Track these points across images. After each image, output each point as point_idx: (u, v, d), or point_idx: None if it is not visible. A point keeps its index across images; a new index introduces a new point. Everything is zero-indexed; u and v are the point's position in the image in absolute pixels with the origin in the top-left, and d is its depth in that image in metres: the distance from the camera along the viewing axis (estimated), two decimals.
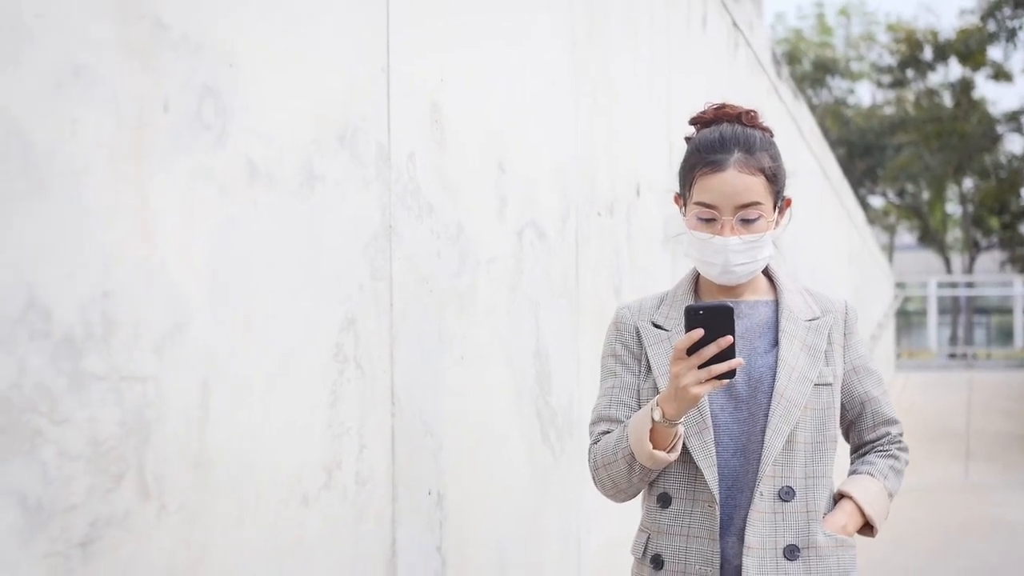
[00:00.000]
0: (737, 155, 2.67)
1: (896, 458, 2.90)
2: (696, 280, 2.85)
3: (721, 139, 2.71)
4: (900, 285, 31.79)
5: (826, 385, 2.75)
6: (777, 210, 2.76)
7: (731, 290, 2.78)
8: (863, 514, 2.78)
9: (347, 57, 2.51)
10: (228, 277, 2.08)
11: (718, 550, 2.64)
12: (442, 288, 2.92)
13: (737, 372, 2.56)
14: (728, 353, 2.45)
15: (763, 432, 2.67)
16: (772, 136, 2.81)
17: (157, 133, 1.91)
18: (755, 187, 2.66)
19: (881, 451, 2.90)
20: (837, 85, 45.11)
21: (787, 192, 2.82)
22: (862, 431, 2.91)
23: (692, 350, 2.45)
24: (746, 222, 2.67)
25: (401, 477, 2.71)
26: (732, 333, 2.45)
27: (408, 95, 2.76)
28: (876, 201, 46.02)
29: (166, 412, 1.92)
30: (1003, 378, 24.05)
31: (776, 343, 2.75)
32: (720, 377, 2.46)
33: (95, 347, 1.77)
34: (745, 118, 2.77)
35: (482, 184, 3.18)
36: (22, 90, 1.64)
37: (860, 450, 2.94)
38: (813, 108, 40.08)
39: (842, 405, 2.86)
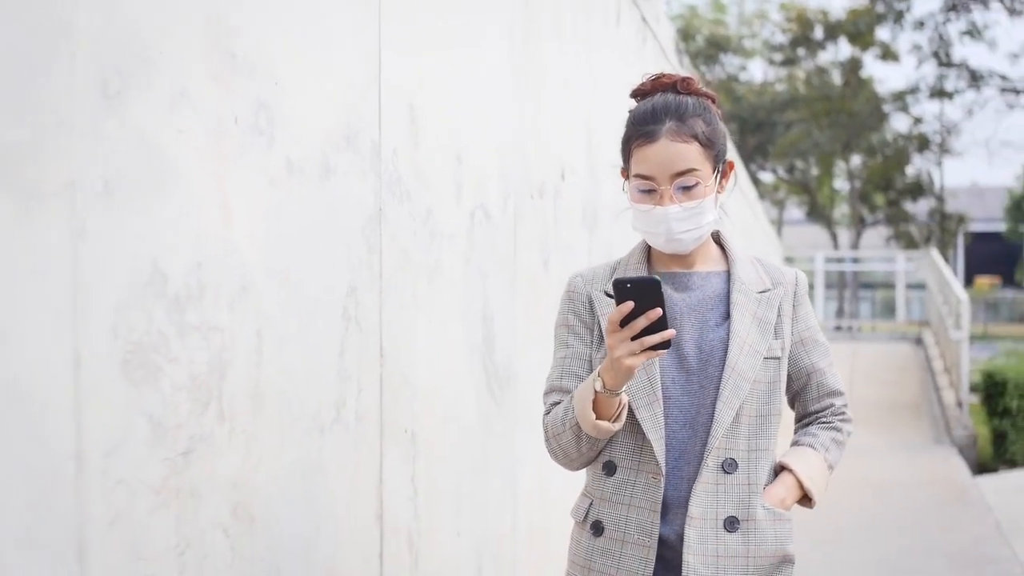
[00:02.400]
0: (669, 124, 2.69)
1: (839, 430, 2.94)
2: (648, 248, 2.89)
3: (652, 110, 2.74)
4: (789, 259, 32.48)
5: (774, 359, 2.80)
6: (718, 174, 2.79)
7: (683, 259, 2.83)
8: (802, 487, 2.84)
9: (351, 71, 3.07)
10: (275, 250, 2.65)
11: (657, 522, 2.71)
12: (416, 262, 3.49)
13: (689, 344, 2.71)
14: (661, 324, 2.49)
15: (713, 405, 2.72)
16: (712, 101, 2.84)
17: (231, 140, 2.47)
18: (689, 154, 2.69)
19: (824, 423, 2.95)
20: (730, 62, 45.53)
21: (729, 156, 2.86)
22: (807, 402, 2.96)
23: (626, 322, 2.50)
24: (685, 189, 2.69)
25: (386, 417, 3.28)
26: (662, 306, 2.48)
27: (393, 99, 3.32)
28: (766, 176, 46.65)
29: (235, 356, 2.49)
30: (885, 349, 24.89)
31: (728, 316, 2.78)
32: (655, 348, 2.52)
33: (193, 305, 2.33)
34: (680, 86, 2.80)
35: (445, 173, 3.75)
36: (149, 109, 2.20)
37: (804, 420, 3.00)
38: (707, 84, 40.68)
39: (789, 375, 2.90)
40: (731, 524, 2.72)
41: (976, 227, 53.44)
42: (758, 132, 42.63)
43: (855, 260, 42.05)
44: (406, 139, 3.42)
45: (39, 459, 1.91)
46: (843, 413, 2.97)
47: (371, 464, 3.19)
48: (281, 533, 2.69)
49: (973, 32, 38.65)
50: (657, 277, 2.54)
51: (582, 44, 5.64)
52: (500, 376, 4.29)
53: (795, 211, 52.79)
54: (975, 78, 39.69)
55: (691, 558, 2.70)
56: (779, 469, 2.87)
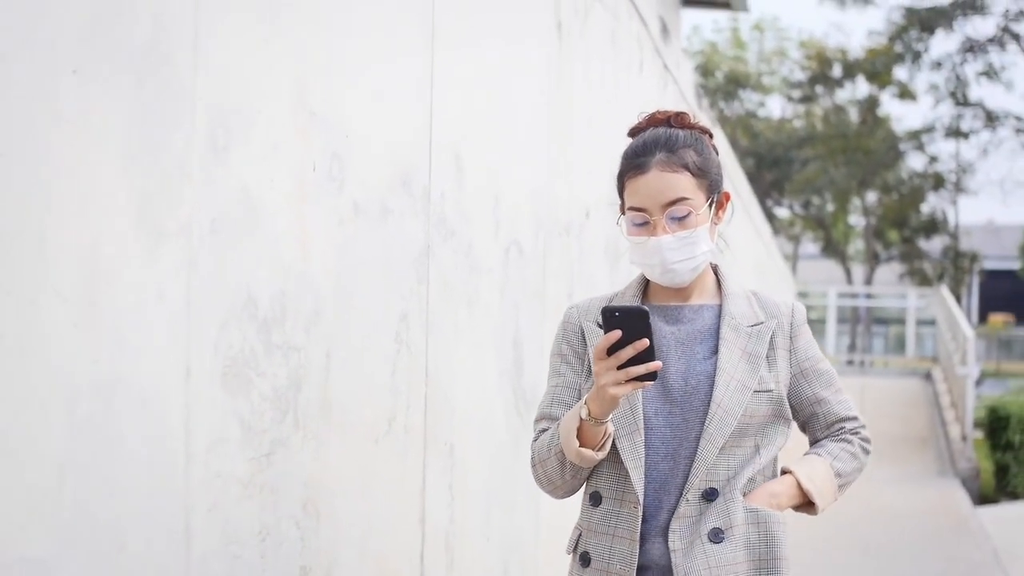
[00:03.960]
0: (659, 155, 2.70)
1: (850, 443, 2.89)
2: (646, 281, 2.87)
3: (643, 143, 2.75)
4: (803, 294, 32.76)
5: (766, 391, 2.75)
6: (712, 204, 2.77)
7: (679, 292, 2.81)
8: (801, 487, 2.80)
9: (407, 125, 3.47)
10: (342, 280, 3.04)
11: (636, 551, 2.68)
12: (458, 292, 3.88)
13: (675, 377, 2.71)
14: (648, 355, 2.48)
15: (697, 439, 2.70)
16: (707, 134, 2.85)
17: (310, 185, 2.87)
18: (678, 183, 2.68)
19: (835, 437, 2.90)
20: (748, 98, 45.65)
21: (726, 187, 2.86)
22: (815, 431, 2.93)
23: (613, 350, 2.50)
24: (677, 219, 2.68)
25: (429, 431, 3.67)
26: (649, 336, 2.48)
27: (442, 149, 3.72)
28: (782, 212, 46.98)
29: (309, 372, 2.89)
30: (894, 384, 25.15)
31: (717, 349, 2.76)
32: (641, 379, 2.51)
33: (277, 327, 2.73)
34: (674, 120, 2.81)
35: (484, 213, 4.15)
36: (248, 160, 2.60)
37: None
38: (725, 120, 41.07)
39: (793, 407, 2.85)
40: (715, 535, 2.69)
41: (991, 265, 53.64)
42: (775, 168, 42.76)
43: (868, 296, 42.27)
44: (452, 183, 3.81)
45: (157, 453, 2.31)
46: (858, 432, 2.91)
47: (415, 472, 3.57)
48: (340, 528, 3.08)
49: (990, 73, 38.99)
50: (645, 308, 2.51)
51: (610, 91, 6.05)
52: (527, 398, 4.67)
53: (810, 246, 53.01)
54: (991, 118, 40.02)
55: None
56: (781, 474, 2.84)
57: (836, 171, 41.03)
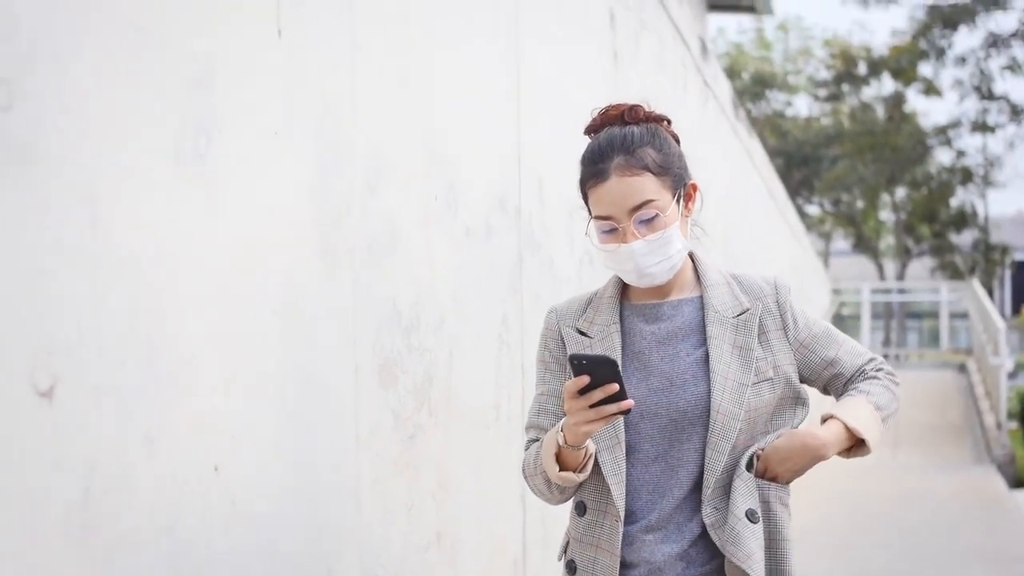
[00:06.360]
0: (617, 160, 2.60)
1: (877, 378, 2.78)
2: (623, 282, 2.77)
3: (599, 148, 2.66)
4: (836, 291, 33.14)
5: (766, 380, 2.66)
6: (680, 199, 2.66)
7: (658, 288, 2.70)
8: (848, 430, 2.66)
9: (502, 157, 4.03)
10: (458, 291, 3.60)
11: (617, 566, 2.62)
12: (543, 298, 4.43)
13: (659, 376, 2.63)
14: (620, 395, 2.40)
15: (691, 439, 2.63)
16: (665, 123, 2.76)
17: (433, 213, 3.43)
18: (642, 186, 2.58)
19: (860, 380, 2.79)
20: (775, 98, 45.75)
21: (694, 178, 2.76)
22: (838, 389, 2.81)
23: (585, 389, 2.41)
24: (645, 222, 2.58)
25: (523, 420, 4.22)
26: (619, 381, 2.40)
27: (529, 174, 4.28)
28: (812, 209, 47.16)
29: (437, 369, 3.44)
30: (928, 376, 25.56)
31: (702, 343, 2.67)
32: (613, 415, 2.44)
33: (414, 331, 3.28)
34: (628, 115, 2.71)
35: (561, 228, 4.70)
36: (392, 194, 3.15)
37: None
38: (753, 120, 41.45)
39: (808, 378, 2.77)
40: (752, 515, 2.61)
41: (1022, 256, 53.80)
42: (804, 166, 42.98)
43: (901, 291, 42.54)
44: (537, 203, 4.37)
45: (335, 435, 2.87)
46: (880, 369, 2.81)
47: (516, 456, 4.12)
48: (462, 501, 3.63)
49: (1014, 67, 39.33)
50: (612, 358, 2.42)
51: (660, 110, 6.59)
52: None
53: (841, 243, 53.19)
54: (1016, 112, 40.39)
55: (730, 547, 2.60)
56: (822, 423, 2.72)
57: (865, 168, 41.30)
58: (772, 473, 2.65)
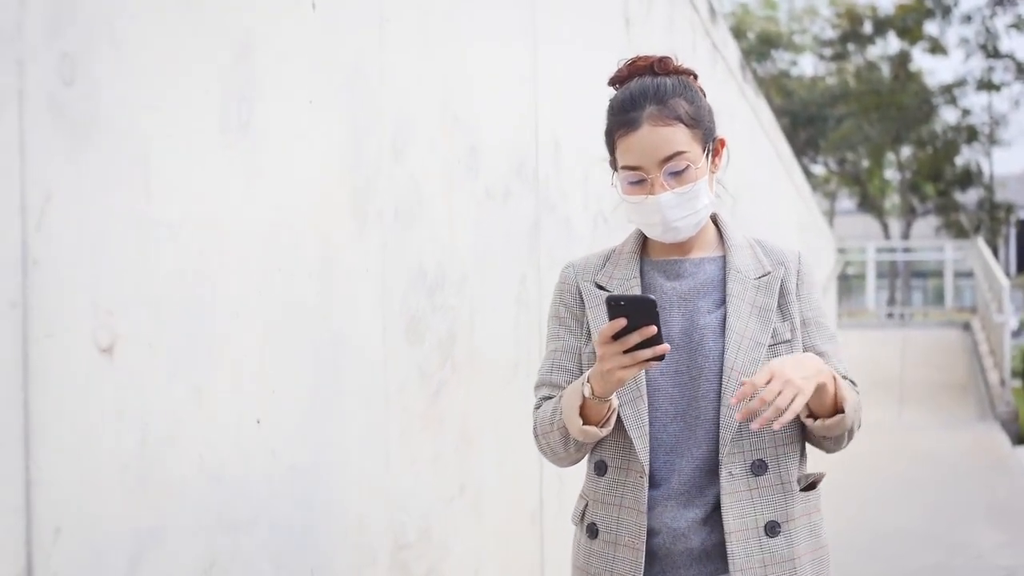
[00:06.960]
0: (650, 109, 2.54)
1: (855, 392, 2.62)
2: (643, 236, 2.74)
3: (631, 97, 2.61)
4: (841, 251, 33.20)
5: (784, 343, 2.61)
6: (709, 153, 2.61)
7: (679, 245, 2.65)
8: (836, 393, 2.51)
9: (520, 122, 4.15)
10: (480, 252, 3.72)
11: (644, 523, 2.57)
12: (559, 258, 4.55)
13: (679, 334, 2.58)
14: (656, 339, 2.33)
15: (707, 397, 2.57)
16: (692, 77, 2.70)
17: (455, 176, 3.55)
18: (674, 137, 2.52)
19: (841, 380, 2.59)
20: (781, 57, 45.77)
21: (720, 133, 2.70)
22: None
23: (619, 335, 2.34)
24: (675, 174, 2.52)
25: None
26: (656, 323, 2.32)
27: (545, 138, 4.39)
28: (818, 169, 47.06)
29: (460, 327, 3.57)
30: (934, 335, 25.69)
31: (722, 302, 2.63)
32: (648, 360, 2.36)
33: (439, 291, 3.41)
34: (658, 67, 2.65)
35: (576, 191, 4.82)
36: (416, 158, 3.27)
37: None
38: (759, 80, 41.42)
39: None
40: (772, 529, 2.56)
41: None
42: (809, 126, 43.00)
43: (906, 250, 42.60)
44: (553, 166, 4.49)
45: (368, 389, 3.00)
46: (857, 392, 2.64)
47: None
48: (484, 455, 3.77)
49: (1019, 25, 39.42)
50: (652, 297, 2.33)
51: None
52: None
53: (846, 202, 53.12)
54: (1022, 70, 40.41)
55: (738, 573, 2.55)
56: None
57: (870, 127, 41.42)
58: (784, 378, 2.37)
